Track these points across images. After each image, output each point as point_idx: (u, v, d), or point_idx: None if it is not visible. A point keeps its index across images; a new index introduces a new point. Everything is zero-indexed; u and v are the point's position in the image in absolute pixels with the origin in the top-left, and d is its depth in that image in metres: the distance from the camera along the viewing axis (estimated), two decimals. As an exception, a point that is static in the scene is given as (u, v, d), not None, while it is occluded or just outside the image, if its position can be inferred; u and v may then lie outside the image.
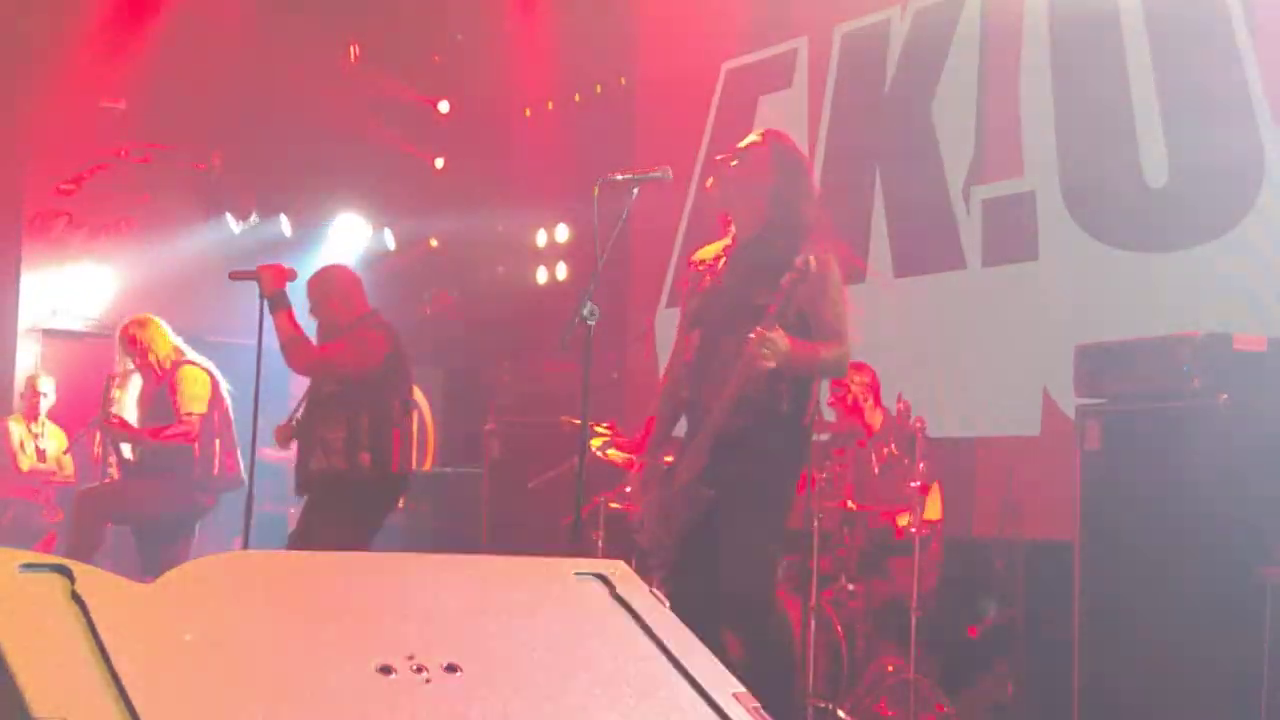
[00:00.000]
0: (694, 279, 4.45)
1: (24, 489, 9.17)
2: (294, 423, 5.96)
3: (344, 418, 5.77)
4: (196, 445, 6.63)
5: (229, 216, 10.07)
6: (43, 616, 1.61)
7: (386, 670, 1.78)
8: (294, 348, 5.73)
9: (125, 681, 1.58)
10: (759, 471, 4.13)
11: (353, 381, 5.79)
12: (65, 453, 9.17)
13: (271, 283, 5.72)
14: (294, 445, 5.96)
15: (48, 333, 10.35)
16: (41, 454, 9.30)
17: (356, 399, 5.79)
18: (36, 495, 9.15)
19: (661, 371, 4.69)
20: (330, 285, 6.05)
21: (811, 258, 3.88)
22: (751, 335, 3.91)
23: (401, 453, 5.92)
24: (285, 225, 10.10)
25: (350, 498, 5.79)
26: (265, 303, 5.70)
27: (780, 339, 3.92)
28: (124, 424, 6.67)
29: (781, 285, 3.88)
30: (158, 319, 6.91)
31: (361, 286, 6.13)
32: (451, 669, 1.84)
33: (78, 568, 1.68)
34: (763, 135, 4.52)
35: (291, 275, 5.81)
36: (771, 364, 3.90)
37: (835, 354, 4.22)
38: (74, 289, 10.19)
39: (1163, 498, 4.62)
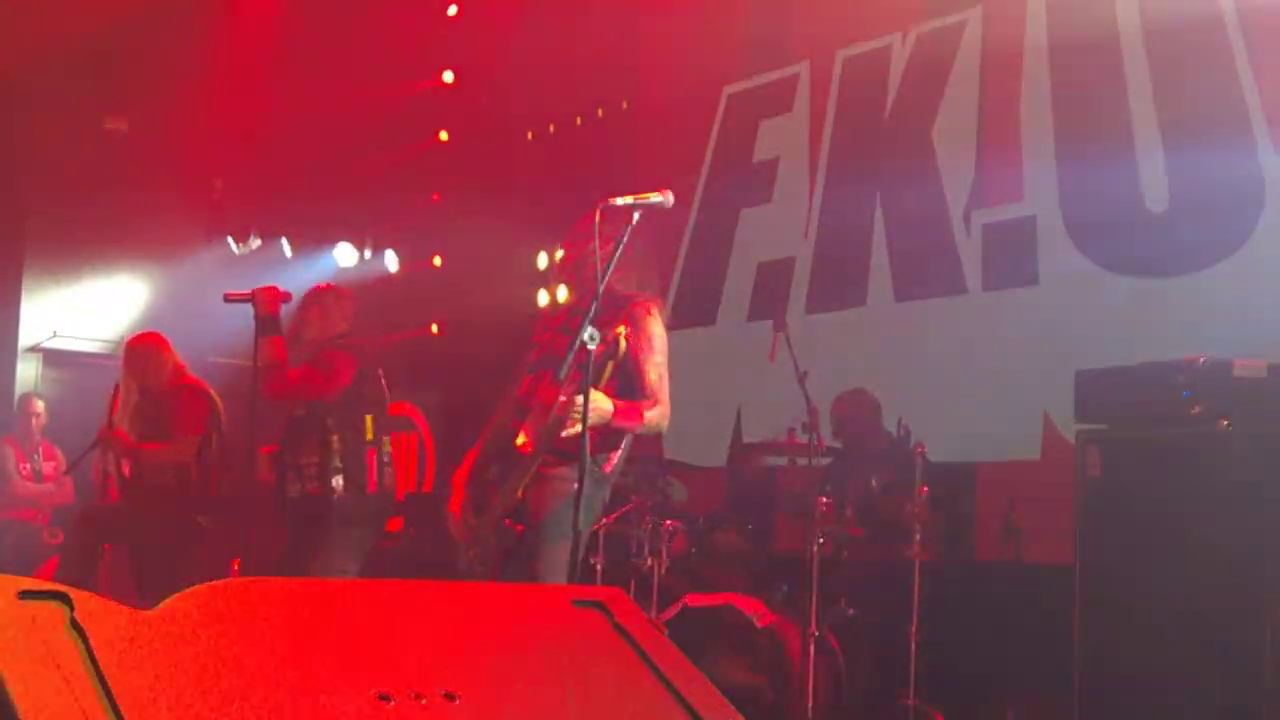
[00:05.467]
0: (541, 335, 4.77)
1: (23, 510, 9.15)
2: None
3: (315, 442, 5.78)
4: (194, 467, 6.63)
5: (232, 238, 10.08)
6: (42, 644, 1.61)
7: (385, 698, 1.78)
8: (271, 374, 5.76)
9: (124, 709, 1.58)
10: (561, 510, 4.35)
11: (319, 404, 5.81)
12: (66, 473, 9.16)
13: (266, 305, 5.74)
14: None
15: (48, 354, 10.36)
16: (38, 474, 9.29)
17: (326, 422, 5.80)
18: (36, 516, 9.13)
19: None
20: (320, 297, 6.12)
21: (622, 331, 4.11)
22: (563, 399, 4.19)
23: (379, 473, 5.90)
24: (286, 248, 10.10)
25: (330, 522, 5.76)
26: (257, 324, 5.73)
27: (601, 399, 4.17)
28: (123, 437, 6.66)
29: (593, 353, 4.01)
30: (163, 337, 6.92)
31: (346, 307, 6.16)
32: (449, 697, 1.84)
33: (77, 595, 1.68)
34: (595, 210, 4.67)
35: (286, 297, 5.83)
36: (575, 429, 4.08)
37: (656, 413, 4.47)
38: (75, 310, 10.20)
39: (1163, 523, 4.62)
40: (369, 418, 5.91)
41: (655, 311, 4.62)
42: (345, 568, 5.68)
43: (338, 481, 5.74)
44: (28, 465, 9.30)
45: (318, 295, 6.15)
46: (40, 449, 9.35)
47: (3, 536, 9.02)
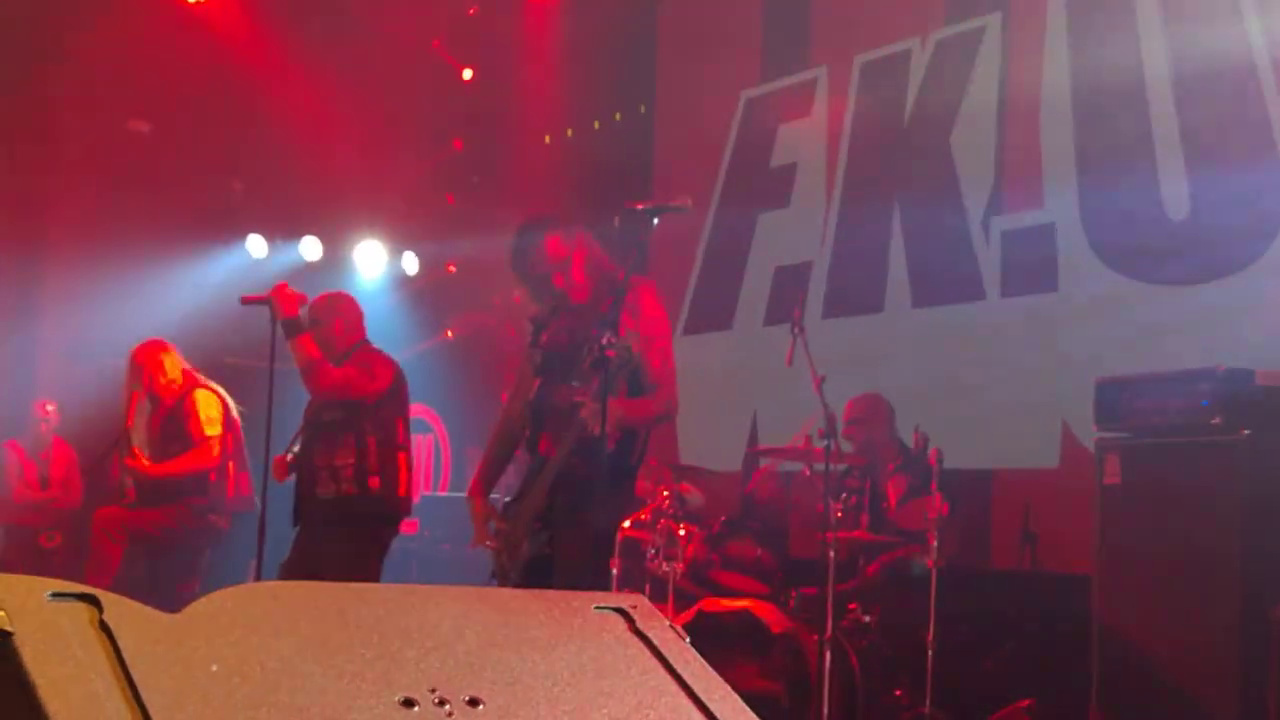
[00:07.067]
0: (535, 332, 4.80)
1: (21, 515, 9.13)
2: (291, 455, 5.93)
3: (351, 443, 5.76)
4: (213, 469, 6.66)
5: (251, 240, 10.09)
6: (71, 645, 1.61)
7: (409, 703, 1.77)
8: (316, 371, 5.73)
9: (152, 711, 1.58)
10: (588, 507, 4.38)
11: (356, 406, 5.78)
12: (84, 474, 9.17)
13: (285, 308, 5.73)
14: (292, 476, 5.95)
15: (67, 355, 10.39)
16: (44, 479, 9.26)
17: (361, 424, 5.77)
18: (34, 520, 9.11)
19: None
20: (336, 308, 6.07)
21: (631, 340, 4.14)
22: (582, 407, 4.23)
23: (408, 476, 5.92)
24: (314, 248, 10.10)
25: (361, 524, 5.76)
26: (280, 326, 5.71)
27: (610, 408, 4.19)
28: (144, 464, 6.68)
29: (605, 359, 4.05)
30: (168, 343, 6.94)
31: (362, 317, 6.16)
32: (473, 703, 1.83)
33: (105, 597, 1.69)
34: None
35: (302, 298, 5.82)
36: (598, 430, 4.16)
37: (662, 402, 4.60)
38: (95, 312, 10.22)
39: (1182, 533, 4.60)
40: (400, 420, 5.91)
41: (652, 292, 4.65)
42: (367, 571, 5.66)
43: (374, 483, 5.74)
44: (34, 469, 9.30)
45: (333, 306, 6.09)
46: (51, 452, 9.33)
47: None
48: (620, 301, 4.15)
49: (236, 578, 7.90)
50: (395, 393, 5.93)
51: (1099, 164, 6.43)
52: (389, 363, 5.96)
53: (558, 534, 4.46)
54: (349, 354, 5.92)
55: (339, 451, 5.77)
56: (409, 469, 5.92)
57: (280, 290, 5.80)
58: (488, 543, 4.70)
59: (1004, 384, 6.67)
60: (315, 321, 5.98)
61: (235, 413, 6.91)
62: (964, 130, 7.09)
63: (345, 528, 5.76)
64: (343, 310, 6.08)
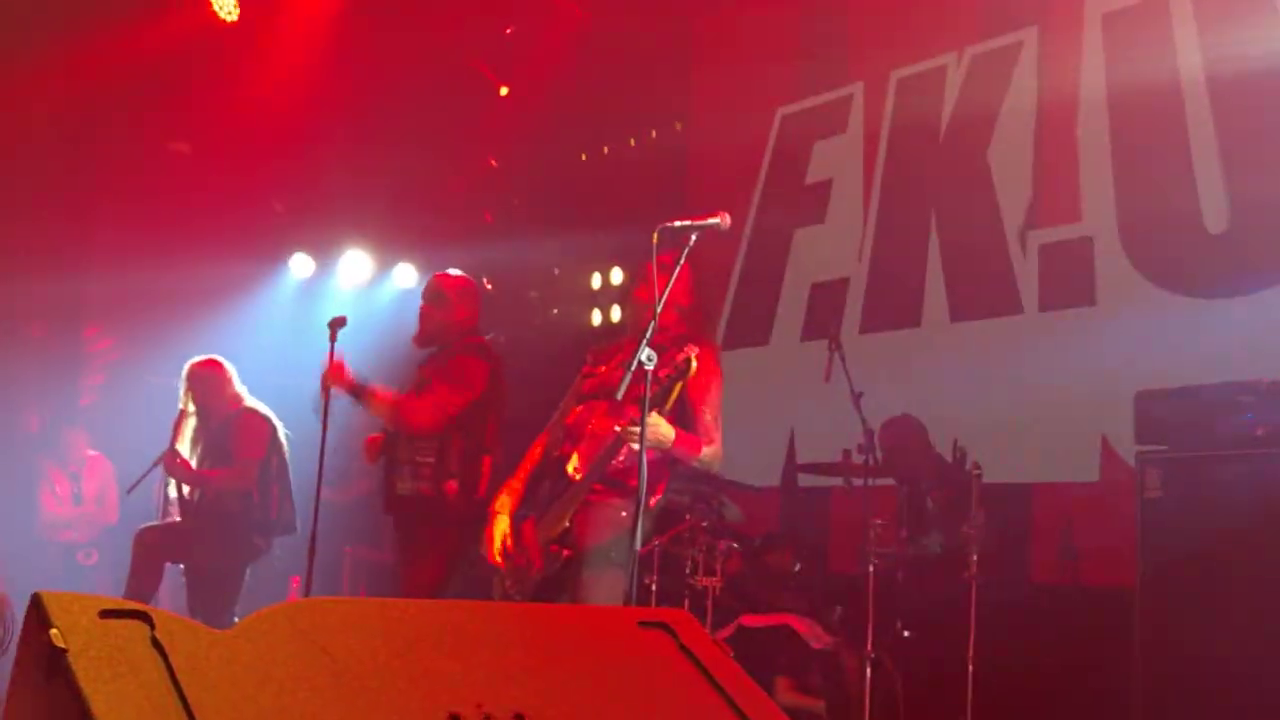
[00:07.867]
0: (592, 364, 4.81)
1: (61, 532, 9.19)
2: (384, 434, 5.75)
3: (435, 441, 5.59)
4: (255, 490, 6.68)
5: (295, 259, 10.17)
6: (124, 662, 1.64)
7: (456, 718, 1.80)
8: (402, 415, 5.60)
9: (203, 727, 1.61)
10: (608, 538, 4.38)
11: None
12: (128, 492, 9.23)
13: (339, 382, 5.63)
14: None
15: (110, 375, 10.48)
16: (78, 496, 9.32)
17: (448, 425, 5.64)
18: (72, 537, 9.17)
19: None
20: (464, 295, 5.96)
21: (694, 356, 4.12)
22: (619, 426, 4.21)
23: (493, 480, 5.62)
24: (361, 265, 10.16)
25: (434, 525, 5.59)
26: (349, 396, 5.62)
27: (664, 425, 4.19)
28: (186, 464, 6.74)
29: (659, 376, 4.04)
30: (224, 362, 6.99)
31: (481, 307, 6.04)
32: (519, 717, 1.85)
33: (157, 614, 1.72)
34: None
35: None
36: (635, 445, 4.03)
37: (710, 452, 4.52)
38: (137, 331, 10.32)
39: (1225, 547, 4.58)
40: (491, 421, 5.72)
41: (714, 355, 4.61)
42: (440, 575, 5.53)
43: (450, 486, 5.58)
44: (67, 485, 9.36)
45: (461, 293, 5.96)
46: (85, 469, 9.39)
47: (35, 558, 8.99)
48: (658, 326, 4.16)
49: (275, 598, 7.95)
50: (488, 395, 5.73)
51: (1137, 176, 6.40)
52: (484, 367, 5.75)
53: (573, 560, 4.41)
54: (450, 345, 5.80)
55: (421, 447, 5.61)
56: (496, 472, 5.62)
57: (333, 368, 5.66)
58: (498, 560, 4.63)
59: (1043, 398, 6.63)
60: (437, 297, 5.88)
61: (282, 435, 6.93)
62: (1000, 144, 7.08)
63: (422, 529, 5.63)
64: (468, 300, 5.96)
